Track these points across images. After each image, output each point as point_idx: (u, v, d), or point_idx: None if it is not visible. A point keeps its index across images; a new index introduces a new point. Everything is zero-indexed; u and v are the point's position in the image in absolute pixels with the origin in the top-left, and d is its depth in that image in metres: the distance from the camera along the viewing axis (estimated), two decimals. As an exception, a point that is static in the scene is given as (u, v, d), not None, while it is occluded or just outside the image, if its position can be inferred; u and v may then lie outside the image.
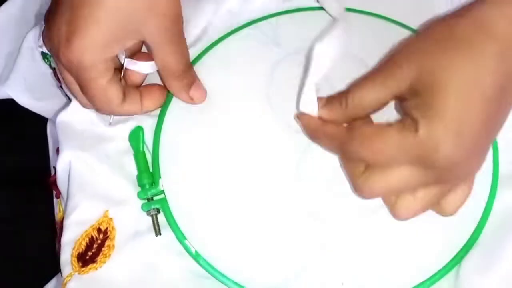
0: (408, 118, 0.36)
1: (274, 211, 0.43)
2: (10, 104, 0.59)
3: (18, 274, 0.81)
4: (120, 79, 0.45)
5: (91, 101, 0.44)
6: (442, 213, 0.40)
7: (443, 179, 0.38)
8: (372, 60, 0.47)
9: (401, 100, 0.38)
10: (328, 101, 0.41)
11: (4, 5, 0.60)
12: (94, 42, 0.40)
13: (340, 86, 0.44)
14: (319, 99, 0.41)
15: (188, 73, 0.45)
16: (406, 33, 0.50)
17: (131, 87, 0.46)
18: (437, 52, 0.36)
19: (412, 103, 0.36)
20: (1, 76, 0.59)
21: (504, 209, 0.43)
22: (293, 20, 0.50)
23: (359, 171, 0.39)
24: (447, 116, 0.35)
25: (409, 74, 0.36)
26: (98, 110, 0.45)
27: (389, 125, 0.37)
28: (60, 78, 0.48)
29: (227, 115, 0.46)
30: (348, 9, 0.51)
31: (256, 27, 0.50)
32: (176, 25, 0.43)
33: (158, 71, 0.46)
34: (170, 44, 0.43)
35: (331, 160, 0.43)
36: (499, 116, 0.37)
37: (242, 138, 0.45)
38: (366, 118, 0.41)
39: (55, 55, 0.42)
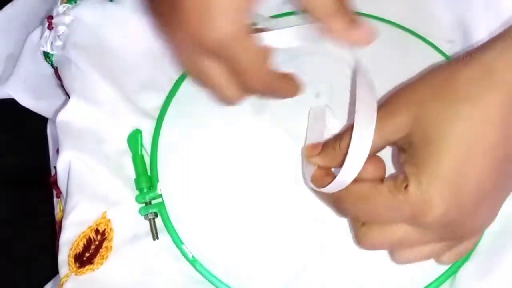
0: (400, 174, 0.35)
1: (272, 215, 0.43)
2: (10, 104, 0.59)
3: (18, 274, 0.81)
4: None
5: (249, 78, 0.39)
6: (437, 260, 0.39)
7: (444, 237, 0.36)
8: (370, 63, 0.47)
9: (397, 147, 0.37)
10: (324, 146, 0.40)
11: (7, 7, 0.60)
12: (230, 10, 0.36)
13: (339, 88, 0.44)
14: (317, 145, 0.41)
15: (346, 5, 0.39)
16: (405, 36, 0.50)
17: None
18: (436, 104, 0.34)
19: (406, 156, 0.35)
20: (2, 76, 0.59)
21: (502, 218, 0.43)
22: (293, 22, 0.50)
23: (359, 224, 0.38)
24: (441, 175, 0.33)
25: (405, 124, 0.35)
26: (257, 87, 0.40)
27: (381, 181, 0.36)
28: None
29: (226, 119, 0.46)
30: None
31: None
32: None
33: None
34: None
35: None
36: (508, 169, 0.34)
37: (241, 142, 0.45)
38: None
39: (197, 45, 0.37)
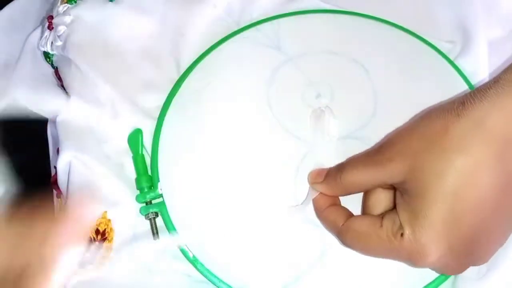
0: (397, 218, 0.36)
1: (272, 218, 0.43)
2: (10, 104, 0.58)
3: (17, 274, 0.81)
4: None
5: None
6: None
7: (444, 272, 0.38)
8: (371, 64, 0.47)
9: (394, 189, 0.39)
10: (326, 175, 0.41)
11: (7, 7, 0.60)
12: None
13: (339, 89, 0.44)
14: (321, 172, 0.42)
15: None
16: (404, 36, 0.50)
17: None
18: (429, 156, 0.35)
19: (402, 201, 0.36)
20: (2, 76, 0.59)
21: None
22: (295, 23, 0.50)
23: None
24: (433, 226, 0.34)
25: (400, 171, 0.36)
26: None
27: (381, 219, 0.37)
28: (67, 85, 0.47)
29: (227, 119, 0.46)
30: (347, 12, 0.51)
31: (257, 30, 0.50)
32: None
33: None
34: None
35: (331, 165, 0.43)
36: (503, 215, 0.35)
37: (242, 142, 0.45)
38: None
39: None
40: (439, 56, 0.49)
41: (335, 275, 0.41)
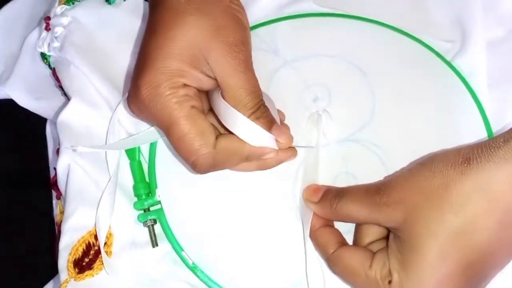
0: (387, 262, 0.36)
1: (271, 222, 0.43)
2: (10, 104, 0.59)
3: (18, 274, 0.81)
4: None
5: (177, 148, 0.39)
6: None
7: None
8: (368, 66, 0.47)
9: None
10: (322, 197, 0.41)
11: (5, 7, 0.60)
12: (161, 75, 0.38)
13: (337, 92, 0.44)
14: (318, 190, 0.42)
15: (262, 109, 0.40)
16: (401, 38, 0.50)
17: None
18: (427, 212, 0.35)
19: (393, 245, 0.37)
20: (1, 76, 0.59)
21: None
22: (291, 27, 0.50)
23: None
24: (422, 281, 0.34)
25: (396, 219, 0.36)
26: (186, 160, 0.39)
27: (371, 257, 0.37)
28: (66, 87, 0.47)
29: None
30: (345, 15, 0.50)
31: (254, 34, 0.49)
32: (243, 53, 0.39)
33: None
34: (237, 73, 0.39)
35: (328, 173, 0.44)
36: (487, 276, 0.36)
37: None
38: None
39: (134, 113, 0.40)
40: (437, 58, 0.49)
41: (334, 280, 0.41)
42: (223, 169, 0.40)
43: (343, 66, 0.48)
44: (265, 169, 0.42)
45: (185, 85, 0.39)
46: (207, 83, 0.40)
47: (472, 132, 0.46)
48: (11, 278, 0.81)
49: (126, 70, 0.49)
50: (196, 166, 0.39)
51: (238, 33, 0.39)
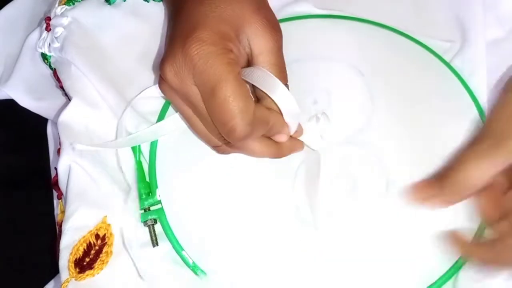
0: None
1: (272, 222, 0.43)
2: (10, 104, 0.59)
3: (18, 274, 0.81)
4: None
5: (216, 118, 0.38)
6: None
7: None
8: (367, 68, 0.47)
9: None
10: (439, 183, 0.41)
11: (6, 7, 0.60)
12: (215, 35, 0.38)
13: (336, 94, 0.44)
14: (422, 184, 0.42)
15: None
16: (400, 39, 0.50)
17: None
18: None
19: None
20: (2, 77, 0.59)
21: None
22: (289, 29, 0.50)
23: None
24: None
25: None
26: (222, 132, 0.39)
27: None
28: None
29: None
30: (344, 17, 0.50)
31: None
32: (279, 34, 0.41)
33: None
34: (273, 51, 0.40)
35: (328, 173, 0.44)
36: None
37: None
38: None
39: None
40: (436, 59, 0.49)
41: (336, 278, 0.41)
42: (253, 137, 0.40)
43: (342, 68, 0.48)
44: (279, 157, 0.43)
45: (231, 50, 0.39)
46: (240, 58, 0.40)
47: (472, 133, 0.46)
48: (11, 278, 0.81)
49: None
50: (235, 131, 0.37)
51: (274, 16, 0.41)
